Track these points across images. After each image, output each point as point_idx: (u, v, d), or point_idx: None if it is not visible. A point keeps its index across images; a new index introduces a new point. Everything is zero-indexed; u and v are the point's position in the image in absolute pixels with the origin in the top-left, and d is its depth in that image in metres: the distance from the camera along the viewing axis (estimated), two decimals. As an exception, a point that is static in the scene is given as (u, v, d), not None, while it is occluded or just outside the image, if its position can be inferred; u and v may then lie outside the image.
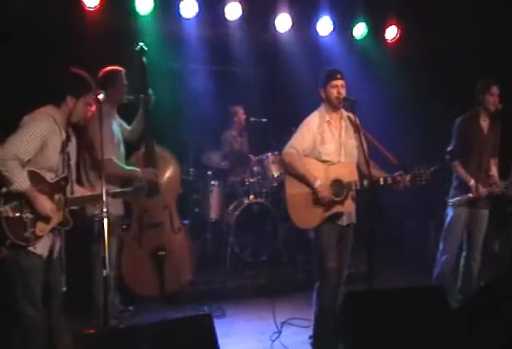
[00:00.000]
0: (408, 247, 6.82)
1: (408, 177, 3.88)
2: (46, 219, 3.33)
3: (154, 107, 4.61)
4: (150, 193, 4.44)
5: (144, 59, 4.56)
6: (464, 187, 4.85)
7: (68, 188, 3.49)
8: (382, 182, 3.89)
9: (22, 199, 3.25)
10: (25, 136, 3.28)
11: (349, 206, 4.01)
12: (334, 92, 3.97)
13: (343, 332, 3.04)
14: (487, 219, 4.93)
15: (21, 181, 3.21)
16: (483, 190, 4.77)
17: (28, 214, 3.27)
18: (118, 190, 4.00)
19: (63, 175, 3.45)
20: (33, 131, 3.29)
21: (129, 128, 4.74)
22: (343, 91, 3.98)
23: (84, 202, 3.64)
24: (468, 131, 4.88)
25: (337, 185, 3.94)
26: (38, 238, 3.32)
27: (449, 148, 4.95)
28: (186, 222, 5.21)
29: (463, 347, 2.94)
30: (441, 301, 3.10)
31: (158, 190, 4.51)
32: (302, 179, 3.98)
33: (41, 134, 3.31)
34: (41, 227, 3.32)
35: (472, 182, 4.78)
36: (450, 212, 4.94)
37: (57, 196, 3.41)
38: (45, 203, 3.31)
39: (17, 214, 3.24)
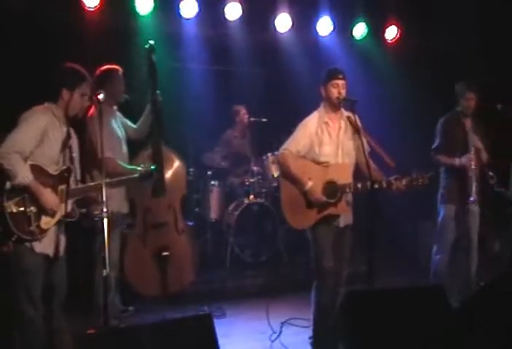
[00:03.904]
0: (407, 247, 6.82)
1: (404, 181, 3.87)
2: (51, 213, 3.33)
3: (162, 107, 4.57)
4: (157, 192, 4.45)
5: (153, 57, 4.50)
6: (452, 186, 4.90)
7: (72, 179, 3.48)
8: (376, 186, 3.86)
9: (25, 194, 3.26)
10: (25, 129, 3.31)
11: (342, 209, 3.99)
12: (334, 92, 3.97)
13: (343, 332, 3.04)
14: (479, 216, 4.95)
15: (24, 174, 3.22)
16: (463, 160, 4.78)
17: (32, 208, 3.27)
18: (124, 177, 3.91)
19: (66, 166, 3.45)
20: (32, 124, 3.32)
21: (134, 126, 4.73)
22: (344, 92, 3.98)
23: (87, 191, 3.61)
24: (451, 131, 4.95)
25: (331, 186, 3.94)
26: (43, 231, 3.32)
27: (434, 146, 5.00)
28: (190, 223, 5.21)
29: (463, 347, 2.95)
30: (441, 301, 3.10)
31: (165, 190, 4.51)
32: (294, 181, 3.99)
33: (41, 126, 3.34)
34: (46, 220, 3.32)
35: (457, 161, 4.80)
36: (441, 211, 5.00)
37: (61, 187, 3.41)
38: (49, 197, 3.32)
39: (21, 209, 3.25)
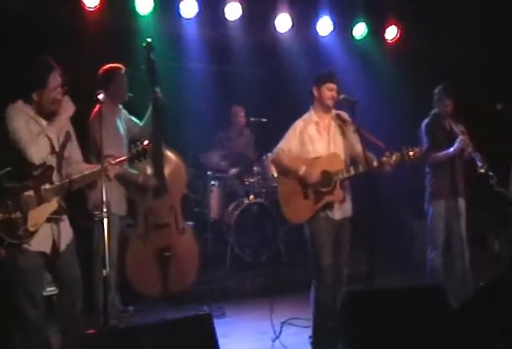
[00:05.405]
0: (404, 246, 6.81)
1: (394, 157, 3.94)
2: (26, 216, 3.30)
3: (162, 106, 4.58)
4: (159, 193, 4.47)
5: (152, 55, 4.51)
6: (440, 181, 4.95)
7: (55, 175, 3.43)
8: (373, 165, 3.91)
9: (8, 201, 3.24)
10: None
11: (338, 195, 4.03)
12: (328, 95, 4.04)
13: (343, 332, 3.04)
14: (465, 209, 4.98)
15: None
16: (456, 145, 4.84)
17: (17, 213, 3.26)
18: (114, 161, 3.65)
19: (47, 164, 3.39)
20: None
21: (140, 124, 4.72)
22: (336, 95, 4.04)
23: (83, 181, 3.52)
24: (435, 133, 5.00)
25: (325, 176, 4.00)
26: (32, 234, 3.30)
27: (424, 149, 4.99)
28: (191, 223, 5.21)
29: (463, 347, 2.95)
30: (441, 301, 3.10)
31: (167, 191, 4.52)
32: (289, 172, 4.07)
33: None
34: (32, 222, 3.29)
35: (451, 149, 4.85)
36: (430, 210, 5.04)
37: (44, 187, 3.37)
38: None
39: (6, 216, 3.23)
